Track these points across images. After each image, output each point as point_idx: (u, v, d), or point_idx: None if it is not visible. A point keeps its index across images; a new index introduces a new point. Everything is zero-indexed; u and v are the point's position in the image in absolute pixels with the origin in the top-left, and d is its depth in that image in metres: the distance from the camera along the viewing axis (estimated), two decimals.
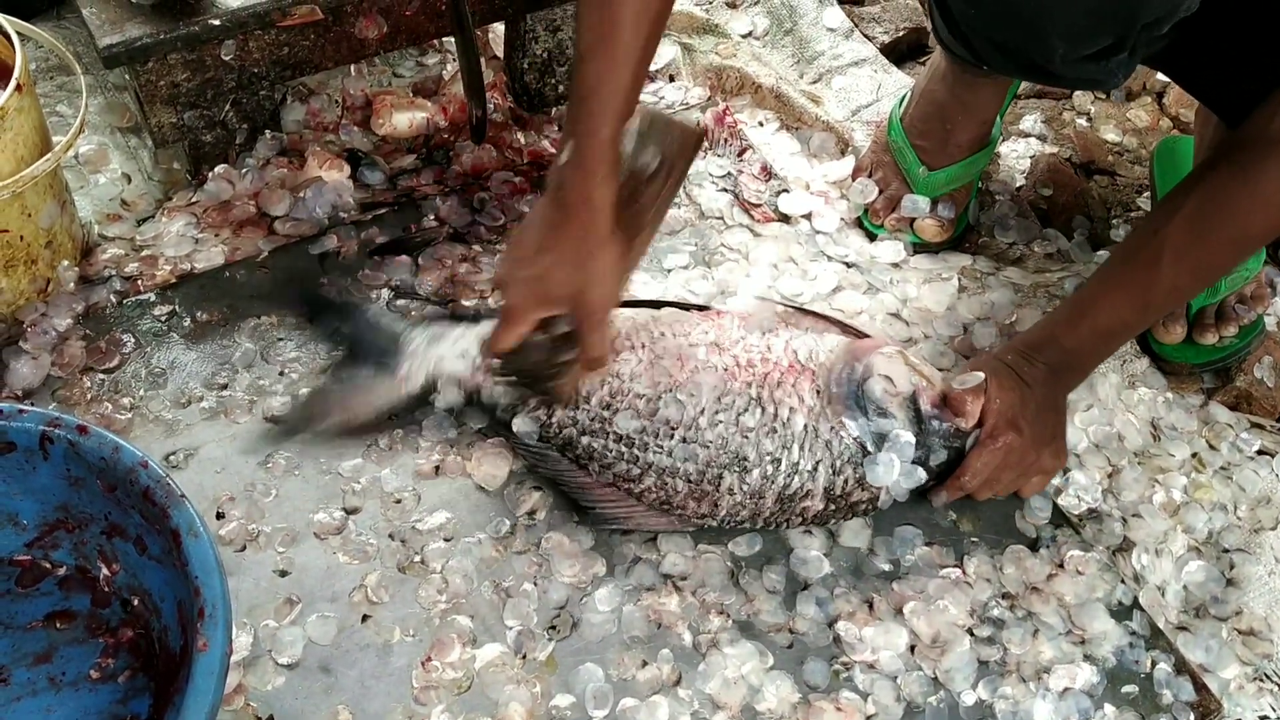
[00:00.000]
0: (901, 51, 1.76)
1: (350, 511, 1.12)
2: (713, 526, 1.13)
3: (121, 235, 1.32)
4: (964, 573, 1.14)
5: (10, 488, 0.99)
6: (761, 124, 1.57)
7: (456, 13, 1.29)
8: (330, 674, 1.02)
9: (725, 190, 1.47)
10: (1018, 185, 1.56)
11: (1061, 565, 1.16)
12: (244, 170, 1.36)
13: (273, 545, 1.09)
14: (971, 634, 1.10)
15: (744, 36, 1.69)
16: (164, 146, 1.33)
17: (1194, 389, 1.37)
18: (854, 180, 1.48)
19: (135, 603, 1.01)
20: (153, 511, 0.92)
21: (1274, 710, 1.13)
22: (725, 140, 1.51)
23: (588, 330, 1.07)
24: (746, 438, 1.11)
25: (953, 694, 1.06)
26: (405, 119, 1.44)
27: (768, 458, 1.10)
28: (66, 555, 1.03)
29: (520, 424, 1.15)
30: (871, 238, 1.45)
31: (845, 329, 1.23)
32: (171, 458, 1.13)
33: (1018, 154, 1.60)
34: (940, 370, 1.23)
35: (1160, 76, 1.70)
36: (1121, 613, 1.13)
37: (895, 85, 1.61)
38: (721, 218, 1.43)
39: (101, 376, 1.19)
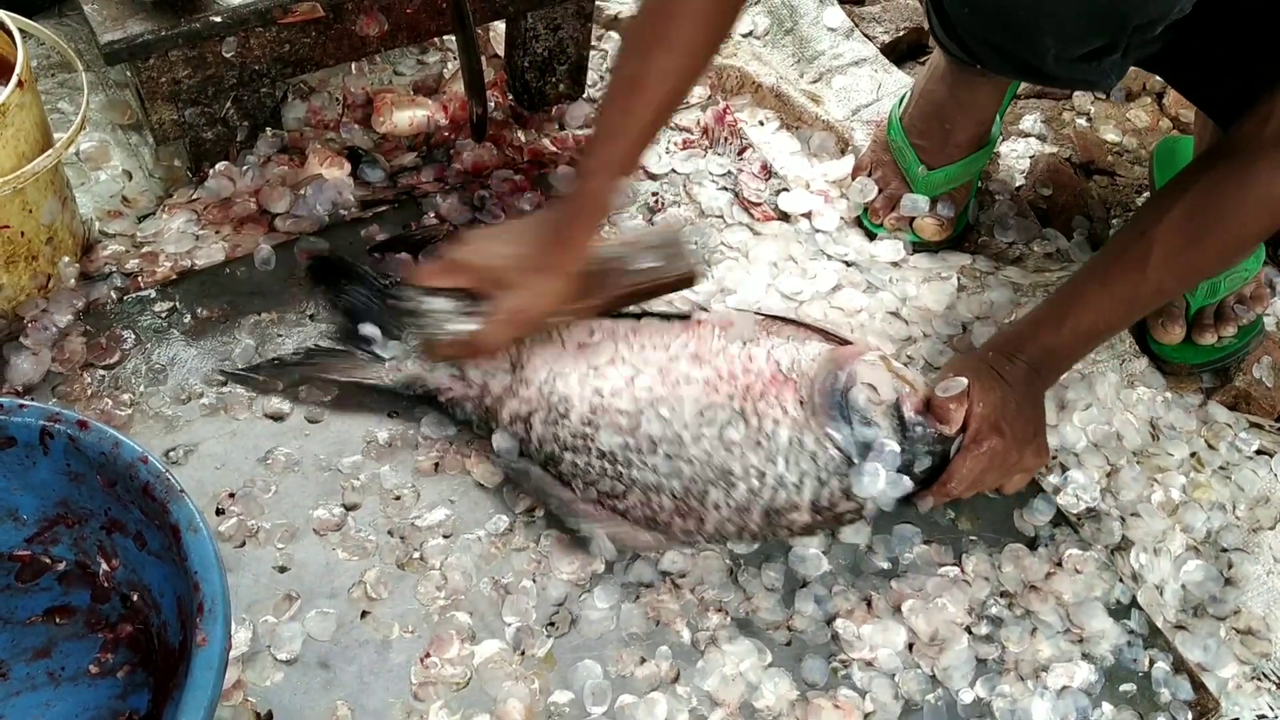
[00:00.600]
0: (901, 51, 1.76)
1: (350, 508, 1.12)
2: (699, 543, 1.12)
3: (122, 232, 1.32)
4: (962, 571, 1.14)
5: (10, 483, 1.00)
6: (762, 123, 1.57)
7: (457, 11, 1.29)
8: (329, 670, 1.02)
9: (725, 189, 1.47)
10: (1017, 185, 1.56)
11: (1060, 564, 1.16)
12: (245, 167, 1.37)
13: (272, 541, 1.09)
14: (970, 632, 1.10)
15: (744, 36, 1.69)
16: (165, 143, 1.33)
17: (1193, 389, 1.37)
18: (854, 179, 1.48)
19: (135, 598, 1.01)
20: (152, 507, 0.92)
21: (1272, 709, 1.13)
22: (725, 139, 1.51)
23: (492, 322, 1.11)
24: (731, 451, 1.09)
25: (951, 692, 1.06)
26: (406, 117, 1.44)
27: (753, 471, 1.09)
28: (66, 550, 1.03)
29: (499, 440, 1.14)
30: (871, 237, 1.45)
31: (827, 336, 1.21)
32: (171, 453, 1.13)
33: (1017, 154, 1.60)
34: (935, 368, 1.23)
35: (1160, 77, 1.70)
36: (1120, 611, 1.13)
37: (895, 85, 1.61)
38: (721, 216, 1.44)
39: (102, 372, 1.19)
